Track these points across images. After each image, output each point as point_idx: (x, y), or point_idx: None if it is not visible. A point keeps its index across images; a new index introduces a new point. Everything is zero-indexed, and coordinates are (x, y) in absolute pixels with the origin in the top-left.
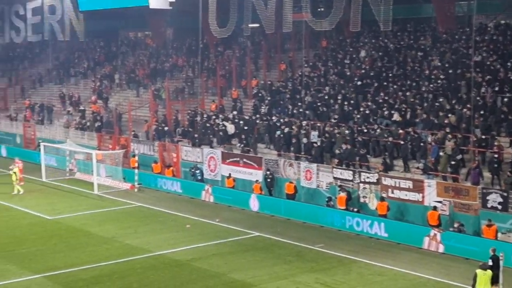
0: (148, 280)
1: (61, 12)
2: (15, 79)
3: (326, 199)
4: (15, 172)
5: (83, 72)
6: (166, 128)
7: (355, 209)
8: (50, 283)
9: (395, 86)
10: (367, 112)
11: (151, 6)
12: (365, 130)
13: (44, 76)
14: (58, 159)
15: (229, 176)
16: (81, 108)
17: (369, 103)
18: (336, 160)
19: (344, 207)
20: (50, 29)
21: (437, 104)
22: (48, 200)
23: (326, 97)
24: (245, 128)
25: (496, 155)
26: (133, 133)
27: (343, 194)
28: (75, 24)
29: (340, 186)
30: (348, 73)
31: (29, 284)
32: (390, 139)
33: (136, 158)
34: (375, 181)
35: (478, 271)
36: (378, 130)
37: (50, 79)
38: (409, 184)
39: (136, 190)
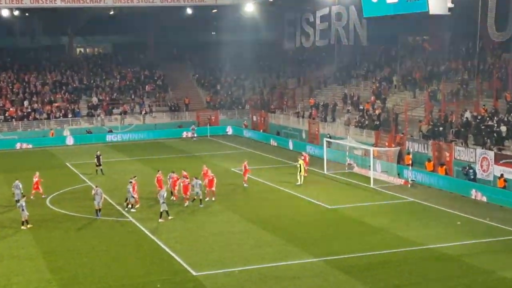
0: (418, 270)
1: (347, 18)
2: (303, 80)
3: None
4: (300, 165)
5: (363, 74)
6: (440, 128)
7: None
8: (329, 267)
9: None
10: None
11: (430, 12)
12: None
13: (329, 77)
14: (338, 154)
15: (501, 177)
16: (361, 107)
17: None
18: None
19: None
20: (336, 34)
21: None
22: (327, 190)
23: None
24: None
25: None
26: (408, 132)
27: None
28: (358, 29)
29: None
30: None
31: (311, 266)
32: None
33: (410, 155)
34: None
35: None
36: None
37: (334, 80)
38: None
39: (409, 185)
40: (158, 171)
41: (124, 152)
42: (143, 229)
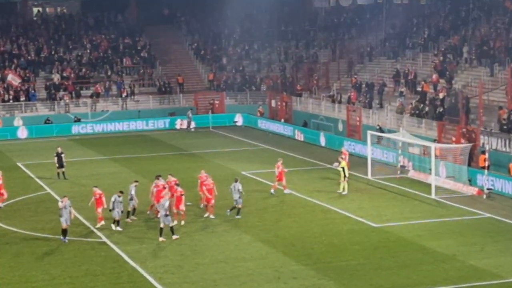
0: None
1: None
2: (340, 51)
3: None
4: (343, 167)
5: (422, 43)
6: None
7: None
8: None
9: None
10: None
11: None
12: None
13: (375, 48)
14: (387, 153)
15: None
16: (418, 89)
17: None
18: None
19: None
20: None
21: None
22: (373, 203)
23: None
24: None
25: None
26: (483, 123)
27: None
28: None
29: None
30: None
31: None
32: None
33: (486, 155)
34: None
35: None
36: None
37: (382, 52)
38: None
39: (484, 196)
40: (157, 177)
41: (95, 148)
42: (122, 253)
